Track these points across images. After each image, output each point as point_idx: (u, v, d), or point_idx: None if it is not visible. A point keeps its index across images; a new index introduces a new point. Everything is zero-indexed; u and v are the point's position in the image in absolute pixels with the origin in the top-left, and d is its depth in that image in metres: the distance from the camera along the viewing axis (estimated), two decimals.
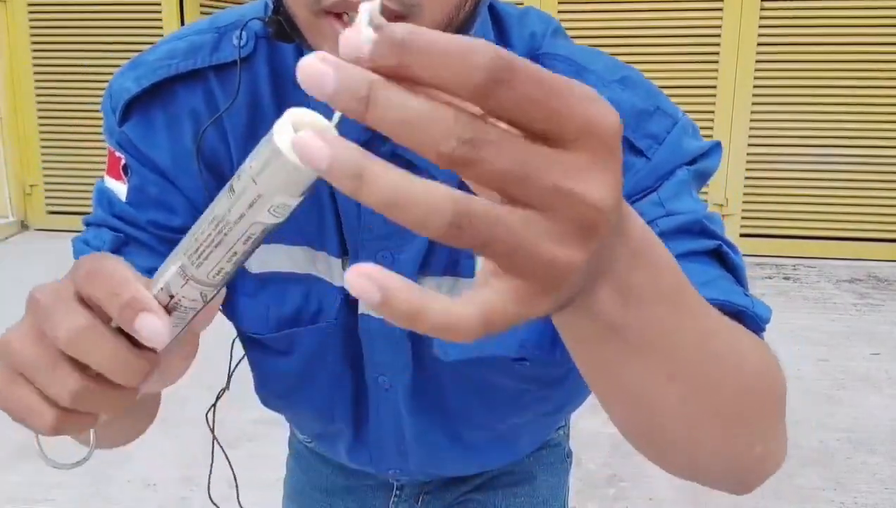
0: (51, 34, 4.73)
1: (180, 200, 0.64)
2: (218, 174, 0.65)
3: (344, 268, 0.67)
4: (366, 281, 0.26)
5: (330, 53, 0.30)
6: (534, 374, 0.68)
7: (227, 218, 0.33)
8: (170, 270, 0.37)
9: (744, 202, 4.27)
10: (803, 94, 4.13)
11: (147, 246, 0.63)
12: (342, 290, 0.67)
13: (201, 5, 4.66)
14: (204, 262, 0.36)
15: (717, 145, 0.63)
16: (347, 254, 0.67)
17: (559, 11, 4.13)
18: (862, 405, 2.60)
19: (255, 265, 0.69)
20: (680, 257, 0.53)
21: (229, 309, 0.72)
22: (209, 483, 0.74)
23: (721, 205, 4.27)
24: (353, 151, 0.26)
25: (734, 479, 0.52)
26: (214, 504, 0.64)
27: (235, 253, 0.35)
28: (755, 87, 4.15)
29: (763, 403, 0.49)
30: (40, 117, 4.83)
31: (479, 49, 0.25)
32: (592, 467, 2.23)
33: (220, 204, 0.34)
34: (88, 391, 0.39)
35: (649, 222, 0.55)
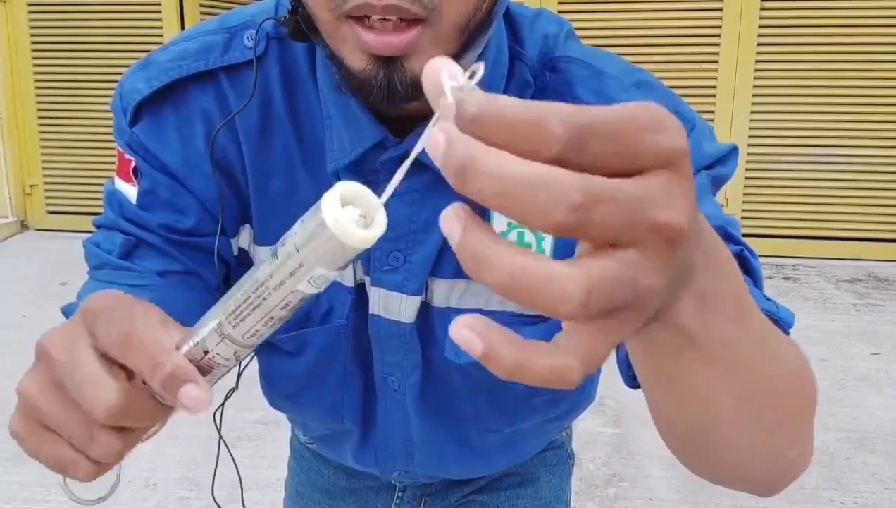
0: (51, 34, 4.73)
1: (191, 201, 0.64)
2: (229, 175, 0.65)
3: (355, 269, 0.67)
4: (469, 333, 0.27)
5: (351, 56, 0.36)
6: None
7: (267, 283, 0.34)
8: (208, 326, 0.38)
9: (744, 202, 4.27)
10: (803, 94, 4.13)
11: (158, 249, 0.63)
12: (353, 291, 0.68)
13: (201, 5, 4.66)
14: (241, 323, 0.36)
15: (734, 150, 0.62)
16: (366, 266, 0.68)
17: (559, 12, 4.13)
18: (862, 405, 2.60)
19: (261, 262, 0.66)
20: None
21: None
22: (213, 483, 0.74)
23: (721, 205, 4.26)
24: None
25: (767, 482, 0.52)
26: (218, 505, 0.63)
27: (272, 318, 0.36)
28: (755, 87, 4.15)
29: (801, 407, 0.48)
30: (40, 117, 4.83)
31: (551, 120, 0.25)
32: (592, 467, 2.23)
33: (262, 269, 0.35)
34: (127, 446, 0.42)
35: None
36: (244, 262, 0.69)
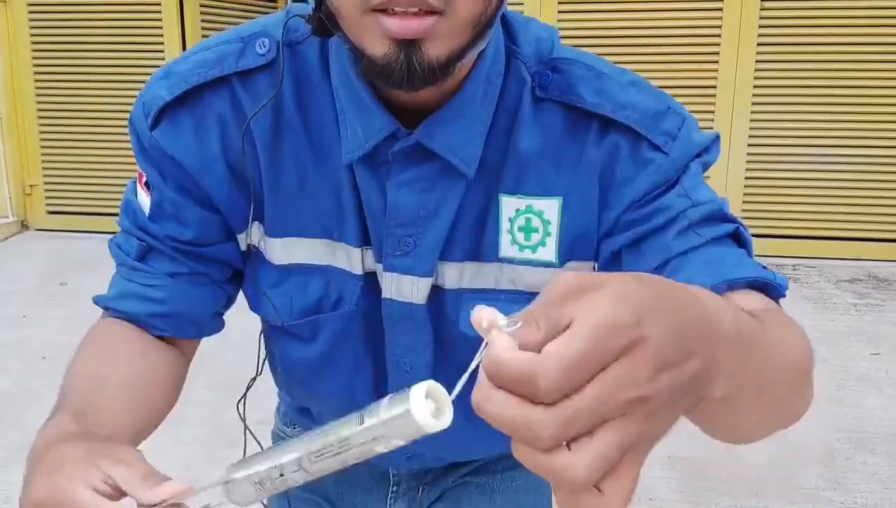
0: (51, 34, 4.73)
1: (194, 214, 0.70)
2: (241, 176, 0.70)
3: (363, 258, 0.71)
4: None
5: (373, 44, 0.52)
6: None
7: (350, 441, 0.42)
8: (289, 456, 0.46)
9: (744, 202, 4.27)
10: (803, 94, 4.13)
11: (166, 255, 0.71)
12: (362, 278, 0.72)
13: (201, 5, 4.66)
14: (319, 462, 0.44)
15: (717, 138, 0.69)
16: (367, 244, 0.71)
17: (559, 11, 4.13)
18: (862, 405, 2.60)
19: (279, 257, 0.72)
20: (710, 242, 0.63)
21: (254, 300, 0.77)
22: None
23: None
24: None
25: (780, 429, 0.59)
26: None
27: (345, 462, 0.44)
28: (755, 87, 4.15)
29: (808, 378, 0.56)
30: (40, 117, 4.83)
31: (542, 376, 0.32)
32: None
33: (349, 427, 0.43)
34: None
35: (679, 213, 0.64)
36: (253, 257, 0.74)
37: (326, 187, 0.69)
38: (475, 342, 0.69)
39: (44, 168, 4.90)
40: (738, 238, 0.66)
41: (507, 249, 0.69)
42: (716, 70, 4.15)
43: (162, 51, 4.61)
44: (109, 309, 0.73)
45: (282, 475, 0.46)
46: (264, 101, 0.67)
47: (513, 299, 0.69)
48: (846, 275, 4.00)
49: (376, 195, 0.68)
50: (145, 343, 0.72)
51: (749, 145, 4.21)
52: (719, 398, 0.40)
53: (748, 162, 4.22)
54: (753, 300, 0.59)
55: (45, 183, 4.91)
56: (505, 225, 0.68)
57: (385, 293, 0.71)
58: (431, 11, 0.55)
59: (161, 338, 0.73)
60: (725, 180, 4.26)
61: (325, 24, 0.61)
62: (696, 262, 0.62)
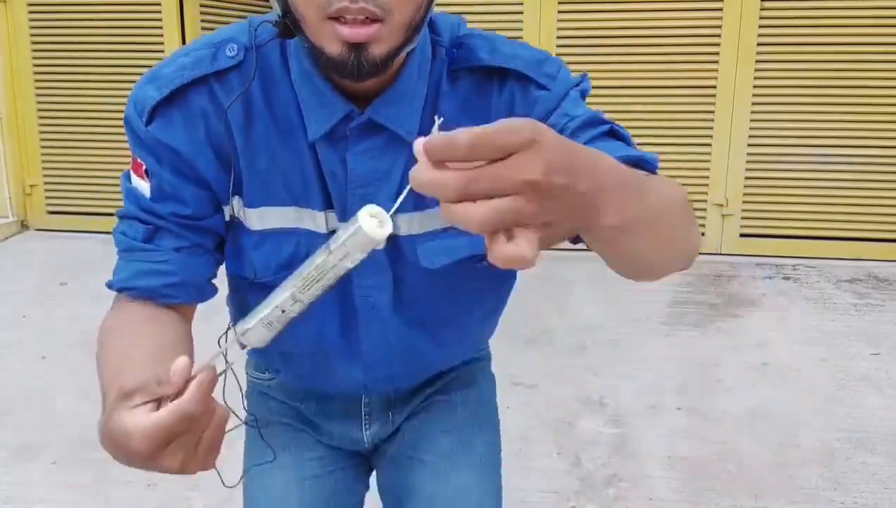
0: (51, 34, 4.73)
1: (190, 192, 0.83)
2: (224, 159, 0.84)
3: (327, 220, 0.87)
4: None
5: (330, 45, 0.69)
6: (486, 273, 0.87)
7: (325, 266, 0.57)
8: (284, 295, 0.60)
9: (744, 202, 4.27)
10: (803, 94, 4.13)
11: (171, 232, 0.83)
12: (326, 236, 0.86)
13: (201, 5, 4.66)
14: (307, 291, 0.58)
15: (586, 75, 0.88)
16: (329, 208, 0.87)
17: (559, 11, 4.13)
18: (862, 405, 2.60)
19: (256, 224, 0.87)
20: (592, 140, 0.78)
21: (235, 263, 0.91)
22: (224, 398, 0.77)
23: (721, 205, 4.27)
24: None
25: (682, 267, 0.73)
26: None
27: (327, 285, 0.58)
28: (755, 87, 4.15)
29: (691, 216, 0.72)
30: (40, 117, 4.83)
31: (454, 144, 0.44)
32: (592, 467, 2.23)
33: (320, 256, 0.57)
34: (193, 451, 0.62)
35: (561, 129, 0.80)
36: (235, 225, 0.88)
37: (292, 164, 0.85)
38: (428, 276, 0.85)
39: (44, 168, 4.90)
40: (616, 134, 0.81)
41: None
42: (716, 70, 4.15)
43: (162, 51, 4.61)
44: (125, 289, 0.84)
45: (283, 311, 0.60)
46: (237, 95, 0.82)
47: (455, 235, 0.86)
48: (846, 275, 4.00)
49: (337, 165, 0.84)
50: (158, 313, 0.83)
51: (749, 145, 4.21)
52: (616, 227, 0.53)
53: (748, 162, 4.22)
54: None
55: (45, 183, 4.91)
56: None
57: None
58: (375, 20, 0.71)
59: (168, 306, 0.85)
60: (725, 180, 4.26)
61: (289, 28, 0.76)
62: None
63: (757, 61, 4.12)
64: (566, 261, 4.17)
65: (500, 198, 0.45)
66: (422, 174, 0.45)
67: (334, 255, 0.56)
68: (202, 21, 4.68)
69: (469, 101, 0.85)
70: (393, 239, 0.87)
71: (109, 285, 0.87)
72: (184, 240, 0.84)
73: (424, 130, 0.83)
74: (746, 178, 4.24)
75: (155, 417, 0.58)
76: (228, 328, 0.70)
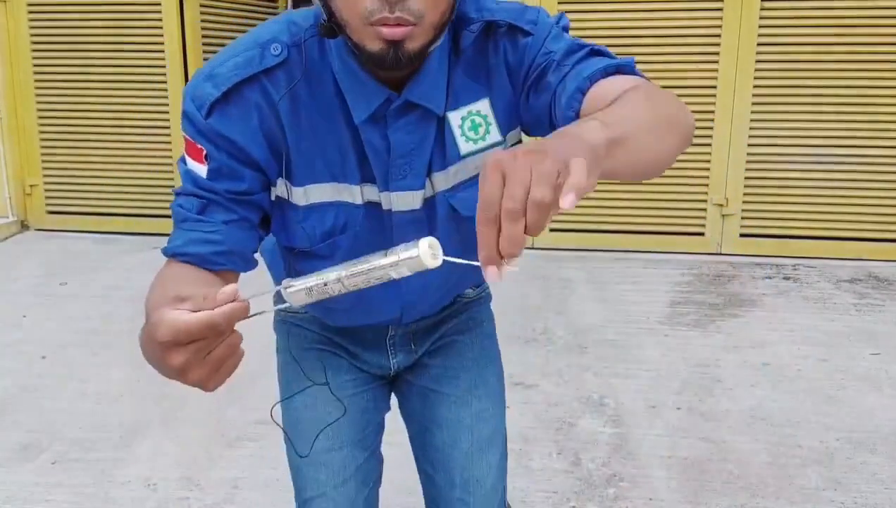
0: (51, 34, 4.73)
1: (245, 173, 0.95)
2: (274, 145, 0.97)
3: (362, 192, 1.01)
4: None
5: (372, 44, 0.85)
6: None
7: (374, 266, 0.67)
8: (330, 275, 0.70)
9: (744, 202, 4.27)
10: (803, 94, 4.13)
11: (222, 206, 0.94)
12: (362, 206, 1.01)
13: (201, 5, 4.66)
14: (351, 279, 0.69)
15: (562, 14, 1.01)
16: (364, 181, 1.00)
17: (559, 11, 4.12)
18: (862, 405, 2.60)
19: (301, 200, 1.00)
20: (576, 63, 0.92)
21: (284, 235, 1.03)
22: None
23: (721, 205, 4.27)
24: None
25: (682, 147, 0.85)
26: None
27: (367, 282, 0.69)
28: (755, 87, 4.15)
29: (679, 109, 0.85)
30: (40, 117, 4.83)
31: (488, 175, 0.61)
32: (592, 467, 2.23)
33: (375, 258, 0.67)
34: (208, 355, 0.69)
35: (547, 61, 0.94)
36: (282, 203, 1.01)
37: (332, 144, 0.98)
38: (457, 222, 1.00)
39: (44, 168, 4.90)
40: (598, 53, 0.94)
41: (464, 148, 1.01)
42: (716, 70, 4.15)
43: (162, 51, 4.61)
44: (178, 255, 0.92)
45: (325, 285, 0.70)
46: (284, 89, 0.94)
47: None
48: (846, 275, 4.00)
49: (379, 141, 0.98)
50: (204, 275, 0.92)
51: (749, 145, 4.21)
52: (615, 137, 0.70)
53: (748, 162, 4.22)
54: (618, 82, 0.86)
55: (45, 183, 4.91)
56: (457, 132, 1.00)
57: (394, 208, 1.02)
58: (409, 23, 0.84)
59: (213, 273, 0.94)
60: (725, 180, 4.26)
61: (333, 30, 0.89)
62: (569, 81, 0.91)
63: (757, 61, 4.12)
64: (566, 261, 4.17)
65: (534, 182, 0.59)
66: (494, 251, 0.62)
67: (387, 261, 0.67)
68: (202, 21, 4.68)
69: (471, 65, 0.99)
70: (429, 199, 1.03)
71: (164, 252, 0.94)
72: (233, 214, 0.95)
73: (448, 102, 1.01)
74: (746, 178, 4.24)
75: (185, 316, 0.66)
76: (278, 288, 0.74)
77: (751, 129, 4.19)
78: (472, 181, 1.02)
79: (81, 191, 4.88)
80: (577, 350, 3.03)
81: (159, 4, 4.57)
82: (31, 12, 4.71)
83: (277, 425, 1.18)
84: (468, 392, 1.23)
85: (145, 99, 4.69)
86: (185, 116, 0.94)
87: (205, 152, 0.94)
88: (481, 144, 1.01)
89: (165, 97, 4.67)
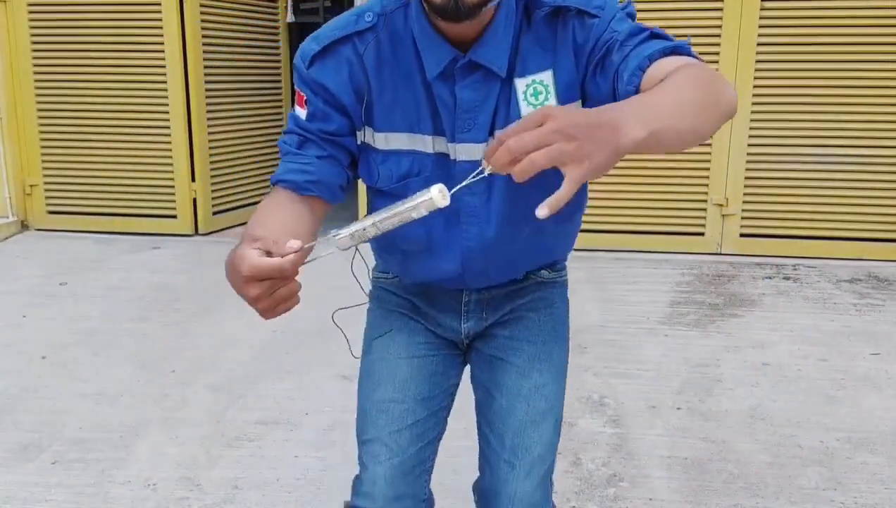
0: (51, 34, 4.73)
1: (335, 117, 1.14)
2: (360, 95, 1.15)
3: (434, 143, 1.16)
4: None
5: (436, 2, 1.01)
6: (551, 181, 1.07)
7: (399, 211, 0.86)
8: (368, 222, 0.88)
9: (744, 202, 4.27)
10: (803, 94, 4.13)
11: (316, 144, 1.15)
12: (432, 155, 1.17)
13: (201, 5, 4.66)
14: (384, 223, 0.87)
15: (630, 2, 1.11)
16: (435, 134, 1.15)
17: None
18: (862, 405, 2.60)
19: (382, 145, 1.17)
20: (637, 45, 1.03)
21: (367, 175, 1.20)
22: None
23: (721, 205, 4.27)
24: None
25: (726, 121, 0.97)
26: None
27: (396, 224, 0.87)
28: (755, 87, 4.15)
29: (712, 89, 0.95)
30: (40, 117, 4.83)
31: (511, 131, 0.78)
32: (592, 467, 2.23)
33: (401, 205, 0.86)
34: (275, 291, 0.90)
35: (612, 42, 1.05)
36: (366, 148, 1.19)
37: (410, 99, 1.14)
38: (511, 184, 1.04)
39: (44, 168, 4.90)
40: (658, 36, 1.05)
41: (525, 111, 1.13)
42: (716, 70, 4.14)
43: (162, 51, 4.61)
44: (279, 182, 1.13)
45: (364, 229, 0.88)
46: (371, 48, 1.13)
47: None
48: (846, 275, 4.00)
49: (448, 97, 1.12)
50: (296, 201, 1.12)
51: (749, 145, 4.21)
52: (646, 137, 0.82)
53: (748, 162, 4.22)
54: (673, 62, 0.98)
55: (45, 183, 4.92)
56: (521, 97, 1.13)
57: (459, 158, 1.16)
58: None
59: (305, 198, 1.13)
60: (725, 180, 4.26)
61: None
62: (630, 60, 1.02)
63: (757, 61, 4.12)
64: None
65: (545, 148, 0.75)
66: (492, 155, 0.79)
67: (408, 205, 0.86)
68: (202, 21, 4.68)
69: (540, 37, 1.11)
70: None
71: (271, 180, 1.15)
72: (324, 151, 1.15)
73: (511, 66, 1.13)
74: (746, 178, 4.24)
75: (262, 259, 0.87)
76: (327, 236, 0.93)
77: (751, 129, 4.19)
78: None
79: (81, 191, 4.88)
80: (577, 350, 3.03)
81: (159, 4, 4.57)
82: (31, 12, 4.71)
83: (339, 328, 1.42)
84: (530, 365, 1.30)
85: (145, 99, 4.69)
86: (294, 68, 1.16)
87: (305, 98, 1.15)
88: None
89: (165, 97, 4.67)
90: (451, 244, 1.22)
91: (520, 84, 1.12)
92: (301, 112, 1.16)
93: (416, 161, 1.17)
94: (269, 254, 0.88)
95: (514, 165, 0.76)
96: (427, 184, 1.10)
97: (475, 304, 1.32)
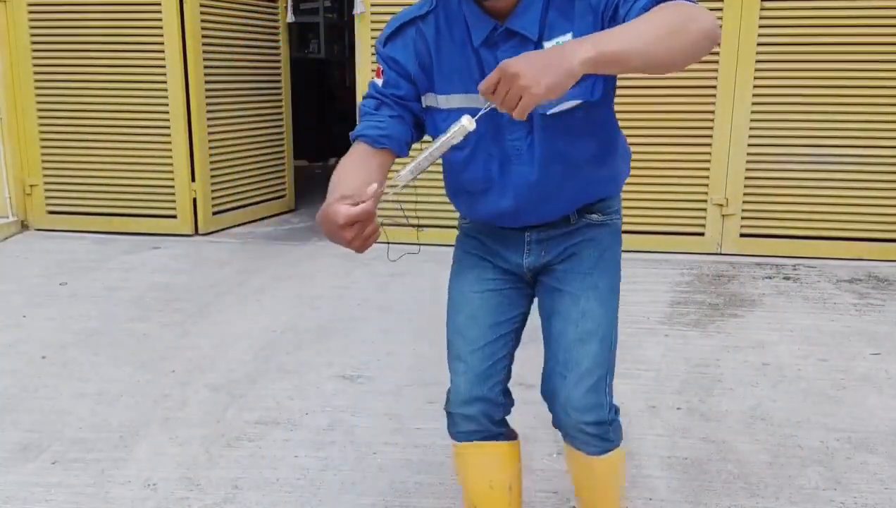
0: (51, 34, 4.73)
1: (404, 84, 1.44)
2: (423, 64, 1.43)
3: (484, 100, 1.37)
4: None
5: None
6: (589, 117, 1.43)
7: (444, 140, 1.19)
8: (419, 157, 1.19)
9: (744, 202, 4.27)
10: (803, 94, 4.13)
11: (389, 106, 1.43)
12: (486, 113, 1.38)
13: (201, 5, 4.66)
14: (434, 153, 1.20)
15: None
16: None
17: None
18: (862, 405, 2.60)
19: (444, 105, 1.44)
20: (634, 2, 1.26)
21: (434, 131, 1.45)
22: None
23: (721, 205, 4.27)
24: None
25: (705, 51, 1.22)
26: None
27: (443, 152, 1.21)
28: (755, 87, 4.15)
29: (692, 18, 1.18)
30: (40, 117, 4.83)
31: (488, 84, 1.14)
32: None
33: (443, 136, 1.20)
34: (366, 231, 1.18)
35: (620, 1, 1.29)
36: (431, 110, 1.46)
37: (463, 65, 1.41)
38: (549, 128, 1.43)
39: (44, 168, 4.90)
40: None
41: None
42: (716, 70, 4.15)
43: (162, 51, 4.61)
44: (359, 137, 1.40)
45: (418, 164, 1.17)
46: (431, 27, 1.42)
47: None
48: (846, 275, 4.00)
49: (492, 61, 1.36)
50: (373, 152, 1.40)
51: (749, 145, 4.21)
52: (600, 52, 1.09)
53: (748, 162, 4.23)
54: (663, 8, 1.19)
55: (45, 183, 4.92)
56: None
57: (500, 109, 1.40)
58: None
59: (380, 149, 1.41)
60: (725, 180, 4.26)
61: None
62: (632, 11, 1.25)
63: (757, 61, 4.12)
64: None
65: (519, 98, 1.09)
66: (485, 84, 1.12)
67: (447, 136, 1.17)
68: (202, 21, 4.68)
69: (562, 9, 1.36)
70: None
71: (351, 136, 1.43)
72: (395, 112, 1.44)
73: (541, 31, 1.37)
74: (746, 178, 4.24)
75: (351, 208, 1.15)
76: (394, 174, 1.24)
77: (751, 129, 4.19)
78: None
79: (81, 191, 4.88)
80: None
81: (159, 4, 4.57)
82: (31, 12, 4.71)
83: (393, 261, 1.76)
84: (580, 293, 1.55)
85: (145, 99, 4.70)
86: (375, 47, 1.50)
87: (381, 70, 1.45)
88: None
89: (165, 97, 4.67)
90: (505, 184, 1.47)
91: (547, 46, 1.35)
92: (378, 81, 1.46)
93: (471, 115, 1.40)
94: (355, 204, 1.15)
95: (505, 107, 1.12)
96: (481, 140, 1.46)
97: (535, 243, 1.56)
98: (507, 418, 1.73)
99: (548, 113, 1.39)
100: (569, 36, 1.34)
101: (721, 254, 4.30)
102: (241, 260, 4.36)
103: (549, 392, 1.62)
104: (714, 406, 2.59)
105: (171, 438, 2.40)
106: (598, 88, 1.40)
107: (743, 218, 4.29)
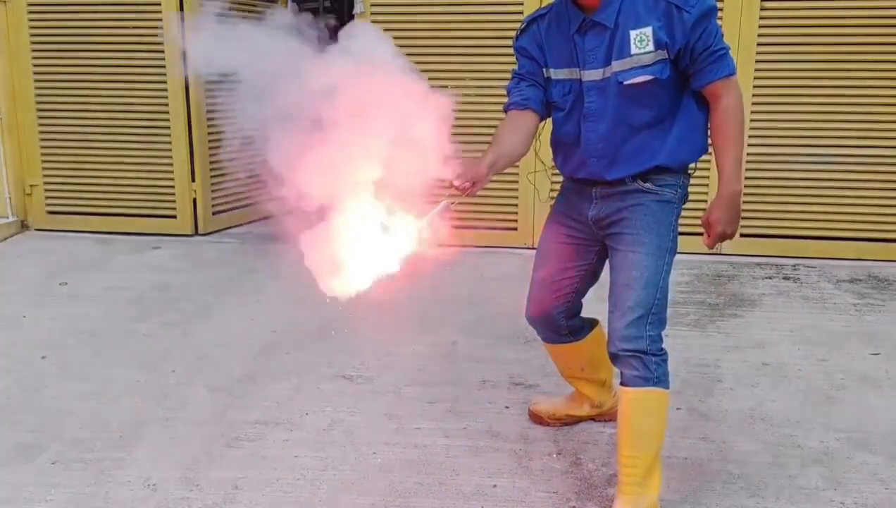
0: (51, 34, 4.73)
1: (531, 64, 2.01)
2: (542, 49, 1.99)
3: (580, 74, 1.95)
4: None
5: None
6: (654, 91, 1.88)
7: (439, 208, 1.93)
8: (433, 211, 1.92)
9: (744, 202, 4.26)
10: (803, 94, 4.13)
11: (525, 80, 2.03)
12: (579, 81, 1.95)
13: (202, 5, 4.66)
14: (436, 209, 1.95)
15: (714, 4, 1.86)
16: (578, 67, 1.94)
17: None
18: (862, 405, 2.60)
19: (555, 76, 1.98)
20: (709, 64, 1.86)
21: (548, 94, 2.01)
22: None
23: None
24: None
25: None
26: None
27: (439, 211, 1.94)
28: (755, 87, 4.15)
29: (742, 115, 1.94)
30: (40, 117, 4.83)
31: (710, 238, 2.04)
32: (592, 467, 2.23)
33: (437, 208, 1.94)
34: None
35: (694, 49, 1.84)
36: (548, 80, 2.00)
37: (565, 48, 1.94)
38: (621, 95, 1.95)
39: (44, 168, 4.90)
40: (722, 56, 1.86)
41: (634, 50, 1.85)
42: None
43: (162, 51, 4.61)
44: (510, 105, 2.01)
45: (440, 208, 1.89)
46: (545, 25, 1.99)
47: (639, 67, 1.86)
48: (846, 275, 4.00)
49: (582, 44, 1.90)
50: (523, 114, 2.00)
51: (749, 145, 4.21)
52: (740, 179, 1.91)
53: (748, 162, 4.22)
54: (719, 91, 1.88)
55: (45, 183, 4.92)
56: (632, 41, 1.85)
57: (587, 80, 1.93)
58: None
59: (527, 110, 2.00)
60: None
61: None
62: (701, 75, 1.86)
63: (757, 61, 4.12)
64: None
65: (720, 236, 1.99)
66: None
67: (438, 208, 1.76)
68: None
69: (645, 7, 1.84)
70: (610, 76, 1.90)
71: (504, 108, 2.04)
72: (529, 83, 2.01)
73: (620, 21, 1.85)
74: (746, 178, 4.24)
75: (481, 168, 1.84)
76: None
77: (751, 129, 4.19)
78: (634, 67, 1.86)
79: (81, 191, 4.88)
80: None
81: (159, 4, 4.57)
82: (31, 12, 4.71)
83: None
84: (628, 247, 1.96)
85: (145, 99, 4.69)
86: (512, 43, 2.07)
87: (517, 57, 2.04)
88: (642, 49, 1.85)
89: (165, 97, 4.67)
90: (582, 137, 1.96)
91: (633, 34, 1.84)
92: (516, 67, 2.04)
93: (570, 84, 1.97)
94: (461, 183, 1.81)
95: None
96: (576, 98, 1.96)
97: (599, 198, 2.02)
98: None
99: (625, 83, 1.87)
100: (649, 30, 1.82)
101: (721, 254, 4.30)
102: (240, 260, 4.36)
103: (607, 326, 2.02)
104: (714, 406, 2.59)
105: (171, 438, 2.40)
106: (666, 70, 1.85)
107: (743, 218, 4.27)
